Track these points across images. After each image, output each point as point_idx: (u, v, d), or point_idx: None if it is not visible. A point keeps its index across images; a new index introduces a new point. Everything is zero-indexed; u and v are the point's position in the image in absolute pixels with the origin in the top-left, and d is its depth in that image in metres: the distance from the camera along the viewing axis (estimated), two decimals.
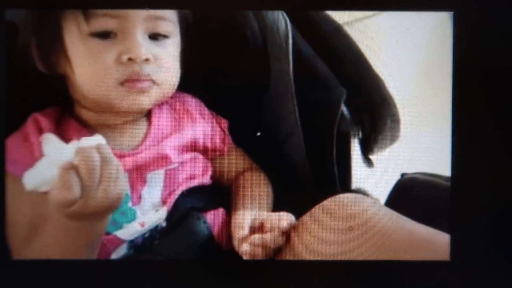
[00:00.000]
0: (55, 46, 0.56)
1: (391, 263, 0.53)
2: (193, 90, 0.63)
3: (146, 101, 0.57)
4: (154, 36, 0.56)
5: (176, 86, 0.59)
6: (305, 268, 0.56)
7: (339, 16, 0.63)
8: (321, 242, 0.55)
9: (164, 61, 0.57)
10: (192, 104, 0.63)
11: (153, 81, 0.56)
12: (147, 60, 0.55)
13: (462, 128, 0.56)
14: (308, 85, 0.63)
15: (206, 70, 0.61)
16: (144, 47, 0.55)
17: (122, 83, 0.55)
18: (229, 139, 0.63)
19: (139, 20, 0.54)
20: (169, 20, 0.57)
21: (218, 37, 0.61)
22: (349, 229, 0.54)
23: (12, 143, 0.55)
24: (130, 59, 0.55)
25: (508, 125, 0.56)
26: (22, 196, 0.53)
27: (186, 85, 0.60)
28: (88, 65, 0.55)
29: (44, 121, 0.56)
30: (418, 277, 0.56)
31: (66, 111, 0.59)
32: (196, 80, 0.61)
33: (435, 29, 0.59)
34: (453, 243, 0.54)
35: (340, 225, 0.54)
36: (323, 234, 0.54)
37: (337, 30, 0.63)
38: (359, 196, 0.59)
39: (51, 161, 0.50)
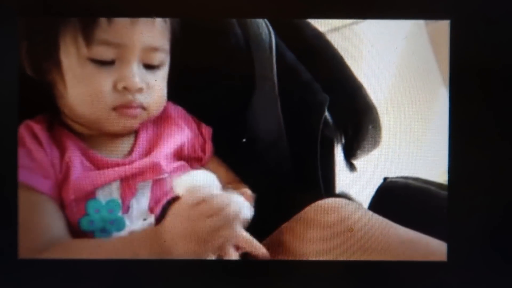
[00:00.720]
0: (48, 59, 0.56)
1: (389, 263, 0.55)
2: (178, 97, 0.63)
3: (134, 124, 0.59)
4: (148, 65, 0.58)
5: (162, 108, 0.61)
6: (304, 268, 0.57)
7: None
8: (307, 246, 0.56)
9: (155, 89, 0.58)
10: (176, 111, 0.63)
11: (143, 108, 0.58)
12: (140, 89, 0.57)
13: (459, 132, 0.58)
14: (292, 92, 0.64)
15: (191, 77, 0.62)
16: (139, 77, 0.56)
17: (114, 108, 0.57)
18: (209, 147, 0.64)
19: (136, 50, 0.56)
20: (163, 51, 0.58)
21: (203, 45, 0.62)
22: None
23: None
24: (125, 88, 0.56)
25: (506, 128, 0.58)
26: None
27: (172, 92, 0.61)
28: (83, 88, 0.56)
29: (37, 127, 0.57)
30: (416, 277, 0.57)
31: (55, 120, 0.60)
32: (181, 87, 0.62)
33: (432, 37, 0.62)
34: (450, 244, 0.56)
35: (326, 229, 0.55)
36: (309, 238, 0.56)
37: (319, 38, 0.65)
38: (344, 200, 0.61)
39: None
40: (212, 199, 0.53)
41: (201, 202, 0.52)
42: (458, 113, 0.57)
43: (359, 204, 0.62)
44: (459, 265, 0.57)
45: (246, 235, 0.55)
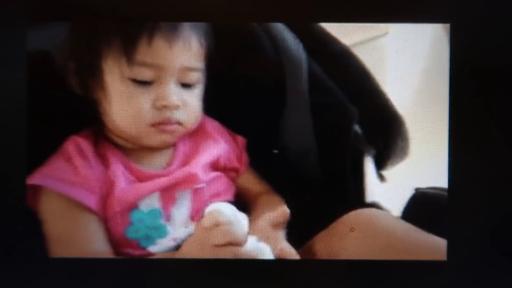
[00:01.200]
0: (94, 78, 0.60)
1: (390, 262, 0.56)
2: (212, 110, 0.65)
3: (171, 139, 0.62)
4: (184, 84, 0.61)
5: (198, 123, 0.63)
6: (305, 268, 0.58)
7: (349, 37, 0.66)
8: (342, 256, 0.58)
9: (191, 106, 0.61)
10: (211, 124, 0.66)
11: (179, 123, 0.61)
12: (177, 107, 0.60)
13: (459, 134, 0.58)
14: (322, 104, 0.66)
15: (224, 90, 0.64)
16: (175, 95, 0.59)
17: (153, 125, 0.60)
18: (245, 158, 0.67)
19: (174, 71, 0.59)
20: (198, 70, 0.61)
21: (235, 58, 0.64)
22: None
23: (54, 163, 0.60)
24: (163, 106, 0.59)
25: (506, 132, 0.59)
26: (61, 211, 0.58)
27: (206, 106, 0.63)
28: (125, 105, 0.59)
29: (83, 143, 0.60)
30: (415, 276, 0.58)
31: (99, 133, 0.63)
32: (215, 100, 0.64)
33: (433, 40, 0.62)
34: (450, 243, 0.57)
35: (362, 239, 0.58)
36: (345, 248, 0.58)
37: (347, 53, 0.66)
38: (378, 210, 0.63)
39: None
40: (226, 226, 0.54)
41: (214, 226, 0.55)
42: (459, 115, 0.58)
43: (390, 213, 0.64)
44: (459, 264, 0.58)
45: (288, 246, 0.58)
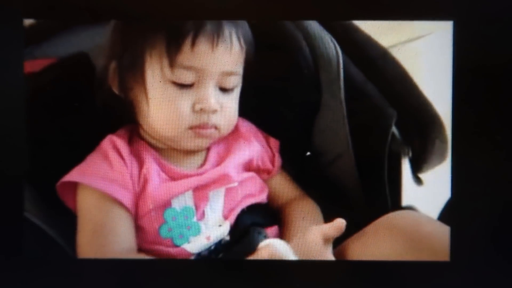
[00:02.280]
0: (135, 79, 0.60)
1: (393, 263, 0.56)
2: (247, 112, 0.65)
3: (207, 143, 0.63)
4: (223, 88, 0.61)
5: (233, 127, 0.63)
6: (308, 268, 0.58)
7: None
8: (379, 257, 0.57)
9: (228, 110, 0.61)
10: (244, 126, 0.66)
11: (216, 127, 0.61)
12: (215, 111, 0.60)
13: (461, 132, 0.58)
14: (359, 108, 0.65)
15: (259, 93, 0.64)
16: (214, 98, 0.60)
17: (190, 128, 0.60)
18: (277, 159, 0.66)
19: (214, 75, 0.59)
20: (237, 75, 0.61)
21: (271, 62, 0.64)
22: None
23: (92, 161, 0.61)
24: (201, 110, 0.59)
25: (507, 129, 0.58)
26: (95, 206, 0.59)
27: (241, 108, 0.63)
28: (164, 108, 0.59)
29: (119, 142, 0.61)
30: (419, 278, 0.58)
31: (134, 132, 0.64)
32: (250, 103, 0.64)
33: (435, 38, 0.61)
34: (453, 243, 0.56)
35: (399, 240, 0.57)
36: (381, 249, 0.57)
37: (385, 55, 0.66)
38: (416, 212, 0.62)
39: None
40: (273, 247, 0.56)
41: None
42: (462, 114, 0.58)
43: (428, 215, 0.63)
44: (462, 265, 0.57)
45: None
